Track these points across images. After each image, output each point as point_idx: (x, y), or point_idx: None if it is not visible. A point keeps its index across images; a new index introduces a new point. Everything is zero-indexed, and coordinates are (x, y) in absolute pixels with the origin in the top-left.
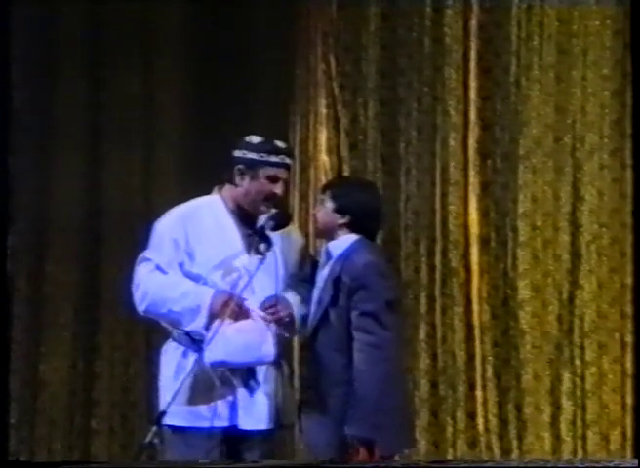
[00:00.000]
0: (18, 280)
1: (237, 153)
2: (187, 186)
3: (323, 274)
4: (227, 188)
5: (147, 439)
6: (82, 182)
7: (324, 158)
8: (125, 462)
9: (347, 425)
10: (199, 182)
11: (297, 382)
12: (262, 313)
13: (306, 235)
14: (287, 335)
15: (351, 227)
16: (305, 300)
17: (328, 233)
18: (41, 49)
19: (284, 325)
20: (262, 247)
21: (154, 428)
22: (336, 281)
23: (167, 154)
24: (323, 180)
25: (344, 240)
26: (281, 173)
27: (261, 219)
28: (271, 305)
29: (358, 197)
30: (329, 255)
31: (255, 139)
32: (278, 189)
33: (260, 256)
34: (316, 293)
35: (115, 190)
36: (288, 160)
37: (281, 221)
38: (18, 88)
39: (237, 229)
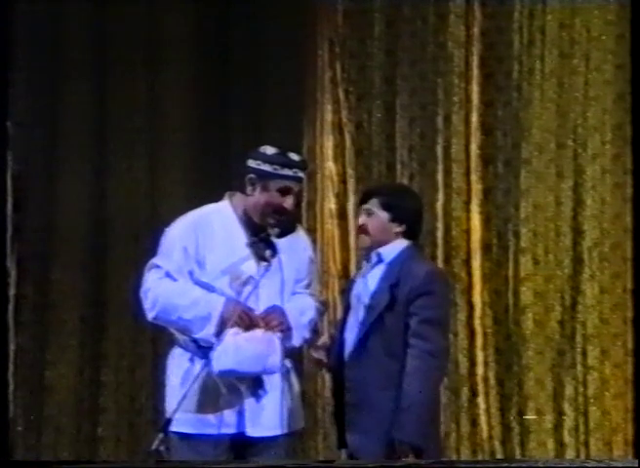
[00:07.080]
0: (24, 287)
1: (251, 163)
2: (193, 195)
3: (373, 278)
4: (239, 196)
5: (154, 446)
6: (88, 190)
7: (330, 165)
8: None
9: (397, 430)
10: (205, 191)
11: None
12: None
13: (313, 241)
14: (287, 345)
15: (406, 235)
16: (309, 308)
17: (382, 243)
18: (45, 56)
19: (281, 333)
20: (267, 253)
21: (160, 435)
22: (393, 287)
23: (173, 162)
24: (330, 187)
25: (396, 245)
26: (293, 186)
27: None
28: (265, 315)
29: (411, 205)
30: (380, 259)
31: (269, 151)
32: (288, 203)
33: (265, 263)
34: (365, 297)
35: (121, 198)
36: (301, 173)
37: (286, 228)
38: (22, 96)
39: (245, 237)
